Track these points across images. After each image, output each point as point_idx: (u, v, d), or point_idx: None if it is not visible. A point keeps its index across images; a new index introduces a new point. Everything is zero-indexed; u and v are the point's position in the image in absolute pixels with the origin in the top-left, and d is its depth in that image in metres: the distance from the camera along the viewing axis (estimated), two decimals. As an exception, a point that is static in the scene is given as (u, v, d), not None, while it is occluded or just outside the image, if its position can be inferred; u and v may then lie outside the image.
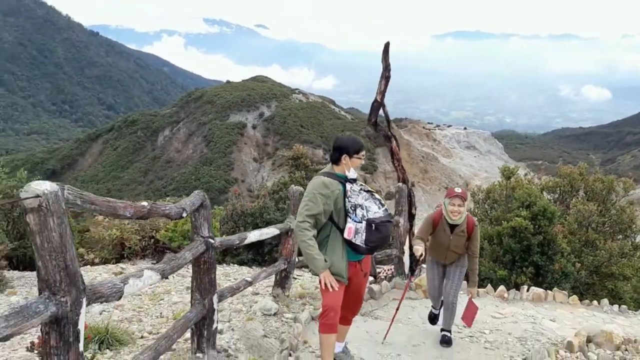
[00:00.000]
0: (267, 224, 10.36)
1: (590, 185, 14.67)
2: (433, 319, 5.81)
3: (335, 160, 4.00)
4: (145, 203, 2.97)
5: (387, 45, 7.27)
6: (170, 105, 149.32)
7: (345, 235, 3.87)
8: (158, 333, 4.97)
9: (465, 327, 6.01)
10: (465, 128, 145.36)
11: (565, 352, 5.17)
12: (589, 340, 5.56)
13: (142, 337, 4.95)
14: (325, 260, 3.85)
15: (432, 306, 5.84)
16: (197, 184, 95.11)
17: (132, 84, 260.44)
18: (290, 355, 4.44)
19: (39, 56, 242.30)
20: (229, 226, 11.46)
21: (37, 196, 2.01)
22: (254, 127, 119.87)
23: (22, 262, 9.02)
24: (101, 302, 2.50)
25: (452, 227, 5.16)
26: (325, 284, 3.81)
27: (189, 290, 7.14)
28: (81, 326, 2.23)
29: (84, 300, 2.24)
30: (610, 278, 13.43)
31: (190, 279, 8.00)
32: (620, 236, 14.40)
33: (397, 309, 5.47)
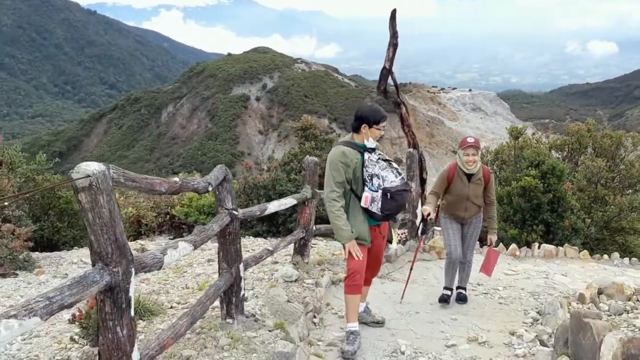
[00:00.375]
0: (280, 195, 10.54)
1: (598, 142, 14.68)
2: (446, 300, 5.53)
3: (356, 129, 4.12)
4: (176, 179, 3.14)
5: (393, 12, 7.33)
6: (172, 81, 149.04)
7: (362, 204, 4.04)
8: (186, 303, 5.20)
9: (479, 284, 6.23)
10: (470, 90, 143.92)
11: (577, 303, 5.36)
12: (600, 292, 5.73)
13: (171, 307, 5.18)
14: (352, 232, 4.04)
15: (444, 287, 5.65)
16: (204, 159, 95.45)
17: (133, 62, 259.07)
18: (314, 317, 4.68)
19: (39, 38, 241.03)
20: (242, 199, 11.65)
21: (88, 176, 2.18)
22: (257, 99, 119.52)
23: (40, 243, 9.31)
24: (145, 272, 2.70)
25: (469, 176, 5.24)
26: (350, 253, 4.01)
27: (210, 263, 7.44)
28: (132, 293, 2.44)
29: (133, 269, 2.44)
30: (620, 232, 13.58)
31: (208, 252, 8.31)
32: (630, 191, 14.48)
33: (411, 270, 5.67)
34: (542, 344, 4.28)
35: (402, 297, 5.46)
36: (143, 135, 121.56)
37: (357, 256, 3.99)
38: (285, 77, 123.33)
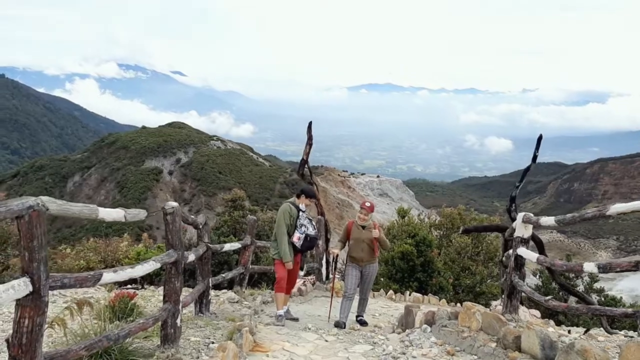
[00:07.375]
0: (213, 254, 12.98)
1: (467, 223, 18.46)
2: (340, 325, 7.11)
3: (298, 196, 7.15)
4: (192, 217, 5.77)
5: (310, 123, 10.48)
6: (82, 150, 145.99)
7: (295, 240, 6.99)
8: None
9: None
10: (378, 176, 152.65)
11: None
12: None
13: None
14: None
15: (340, 316, 7.30)
16: (108, 231, 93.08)
17: (40, 128, 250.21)
18: (255, 314, 7.23)
19: None
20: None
21: (172, 207, 4.81)
22: (170, 173, 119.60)
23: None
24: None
25: (363, 227, 7.47)
26: (284, 266, 6.85)
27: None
28: (183, 266, 5.00)
29: (185, 253, 5.03)
30: (482, 296, 17.06)
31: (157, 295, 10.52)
32: (491, 263, 18.20)
33: (332, 296, 8.15)
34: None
35: (328, 317, 7.64)
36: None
37: (287, 268, 6.79)
38: (200, 153, 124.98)
